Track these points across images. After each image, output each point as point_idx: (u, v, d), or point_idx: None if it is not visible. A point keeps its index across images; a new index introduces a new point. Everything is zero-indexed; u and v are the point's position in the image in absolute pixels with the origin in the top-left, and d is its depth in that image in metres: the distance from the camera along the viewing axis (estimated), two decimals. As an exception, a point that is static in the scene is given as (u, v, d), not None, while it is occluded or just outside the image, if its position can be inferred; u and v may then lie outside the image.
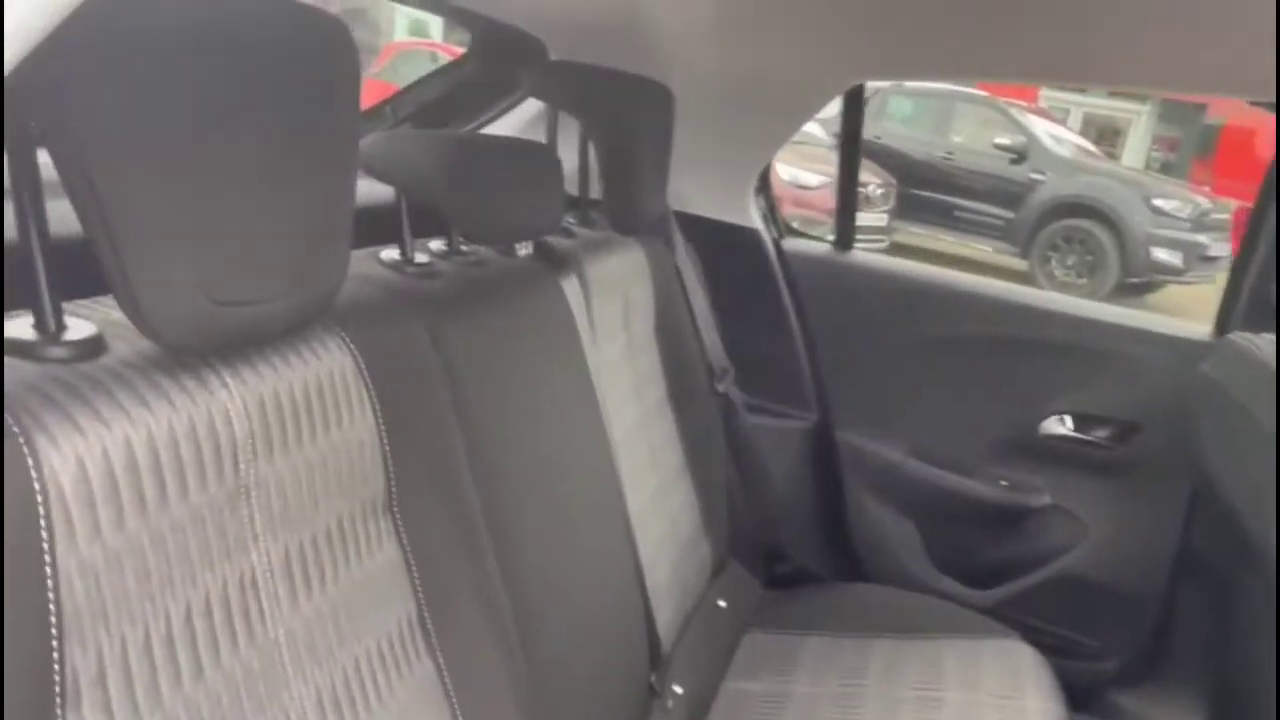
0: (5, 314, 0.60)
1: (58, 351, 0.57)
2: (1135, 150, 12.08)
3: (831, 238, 1.73)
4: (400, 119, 1.50)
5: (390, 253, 0.95)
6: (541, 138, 1.31)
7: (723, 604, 1.52)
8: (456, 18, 1.59)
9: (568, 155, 1.40)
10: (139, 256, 0.52)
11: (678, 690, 1.26)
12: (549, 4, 1.26)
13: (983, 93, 7.58)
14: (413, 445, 0.79)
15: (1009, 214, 7.18)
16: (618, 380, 1.30)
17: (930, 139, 7.61)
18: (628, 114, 1.23)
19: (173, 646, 0.58)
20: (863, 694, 1.29)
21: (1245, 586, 1.34)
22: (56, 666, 0.51)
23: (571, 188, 1.31)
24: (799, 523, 1.70)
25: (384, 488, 0.76)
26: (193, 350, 0.60)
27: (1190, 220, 6.89)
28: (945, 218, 7.39)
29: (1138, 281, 6.88)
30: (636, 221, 1.30)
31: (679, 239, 1.56)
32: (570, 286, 1.15)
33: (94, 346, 0.59)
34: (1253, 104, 1.43)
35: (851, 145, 1.66)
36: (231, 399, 0.62)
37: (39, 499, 0.50)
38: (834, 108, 1.62)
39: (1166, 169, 11.21)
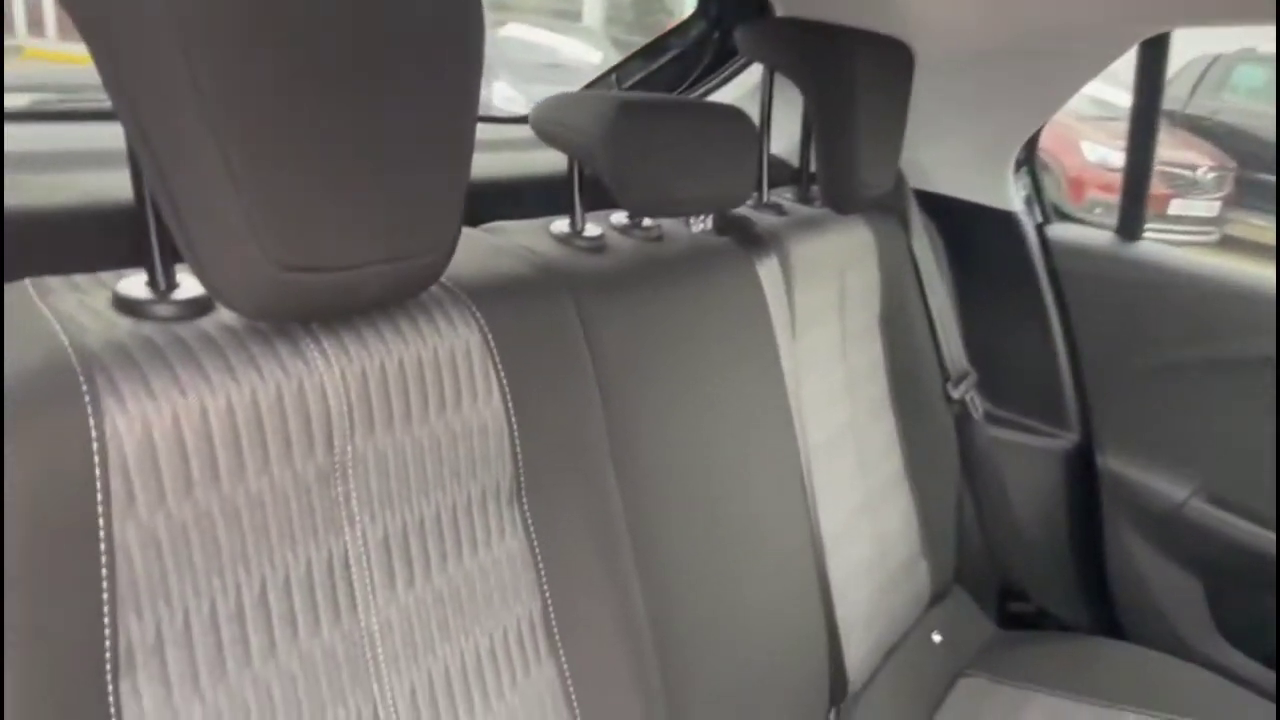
0: (122, 271, 0.60)
1: (163, 310, 0.56)
2: None
3: (1113, 224, 1.44)
4: (625, 88, 1.44)
5: (560, 224, 0.89)
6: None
7: (938, 639, 1.33)
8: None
9: (789, 124, 1.28)
10: (199, 220, 0.48)
11: None
12: (773, -46, 1.14)
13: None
14: (547, 433, 0.72)
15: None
16: (824, 376, 1.16)
17: (1286, 115, 6.43)
18: (854, 75, 1.08)
19: (243, 623, 0.55)
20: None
21: None
22: (108, 634, 0.49)
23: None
24: (1043, 558, 1.45)
25: (510, 475, 0.70)
26: (273, 317, 0.56)
27: None
28: (1297, 209, 6.22)
29: None
30: (854, 199, 1.14)
31: (918, 220, 1.37)
32: (768, 269, 1.03)
33: (200, 306, 0.57)
34: None
35: (1147, 111, 1.36)
36: (330, 370, 0.58)
37: (96, 461, 0.49)
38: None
39: None
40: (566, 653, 0.73)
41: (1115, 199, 1.45)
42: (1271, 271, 1.31)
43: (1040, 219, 1.46)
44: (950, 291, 1.45)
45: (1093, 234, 1.45)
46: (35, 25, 5.44)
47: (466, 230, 0.65)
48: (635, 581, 0.79)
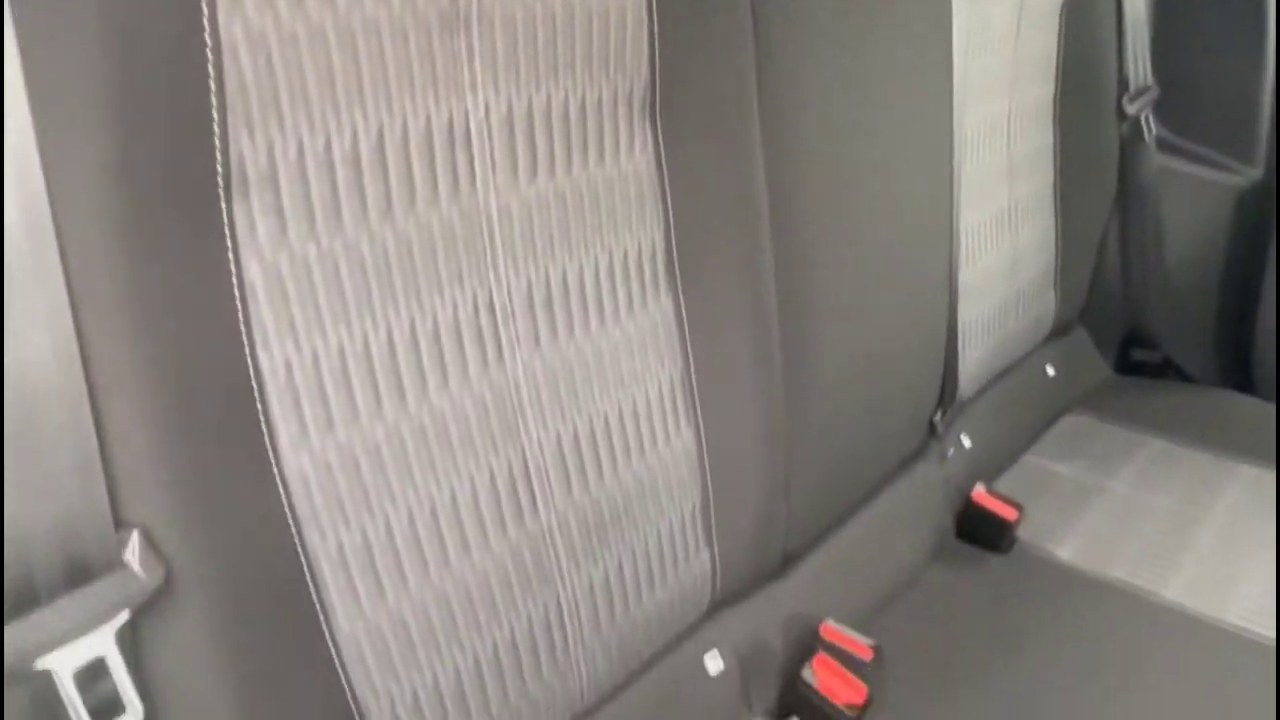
0: None
1: None
2: None
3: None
4: None
5: None
6: None
7: (1051, 372, 1.26)
8: None
9: None
10: None
11: (965, 443, 1.07)
12: None
13: None
14: (691, 69, 0.63)
15: None
16: (991, 57, 1.01)
17: None
18: None
19: (359, 172, 0.49)
20: (1205, 518, 1.02)
21: None
22: (218, 144, 0.44)
23: None
24: (1184, 303, 1.34)
25: (645, 83, 0.62)
26: None
27: None
28: None
29: None
30: None
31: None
32: None
33: None
34: None
35: None
36: None
37: None
38: None
39: None
40: (685, 288, 0.68)
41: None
42: None
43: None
44: (1151, -10, 1.24)
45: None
46: None
47: None
48: (766, 240, 0.73)
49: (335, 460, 0.49)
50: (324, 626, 0.49)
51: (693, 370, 0.69)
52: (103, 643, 0.40)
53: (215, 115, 0.43)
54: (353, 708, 0.51)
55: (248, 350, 0.45)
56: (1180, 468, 1.11)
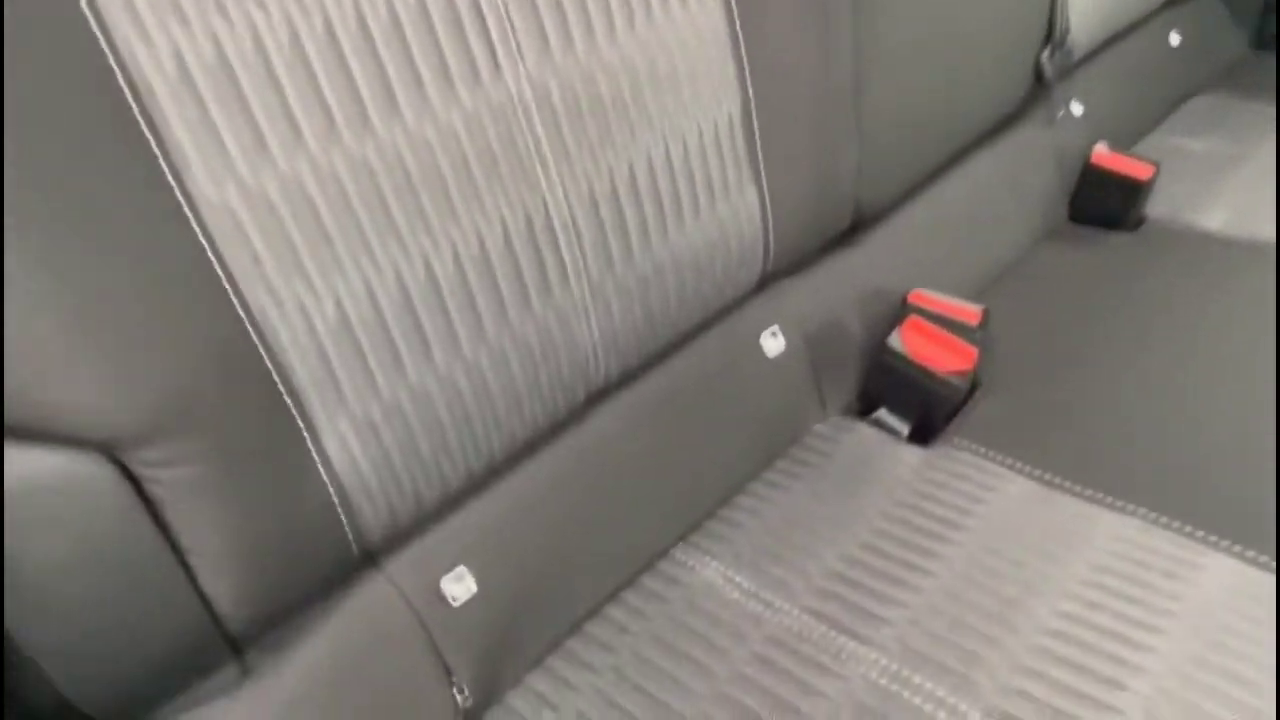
0: None
1: None
2: None
3: None
4: None
5: None
6: None
7: (1176, 40, 1.03)
8: None
9: None
10: None
11: (1076, 110, 0.87)
12: None
13: None
14: None
15: None
16: None
17: None
18: None
19: None
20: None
21: None
22: None
23: None
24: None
25: None
26: None
27: None
28: None
29: None
30: None
31: None
32: None
33: None
34: None
35: None
36: None
37: None
38: None
39: None
40: None
41: None
42: None
43: None
44: None
45: None
46: None
47: None
48: None
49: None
50: None
51: None
52: None
53: None
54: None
55: None
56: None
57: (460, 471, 0.45)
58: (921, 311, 0.63)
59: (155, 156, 0.33)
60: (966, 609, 0.49)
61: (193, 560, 0.37)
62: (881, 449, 0.60)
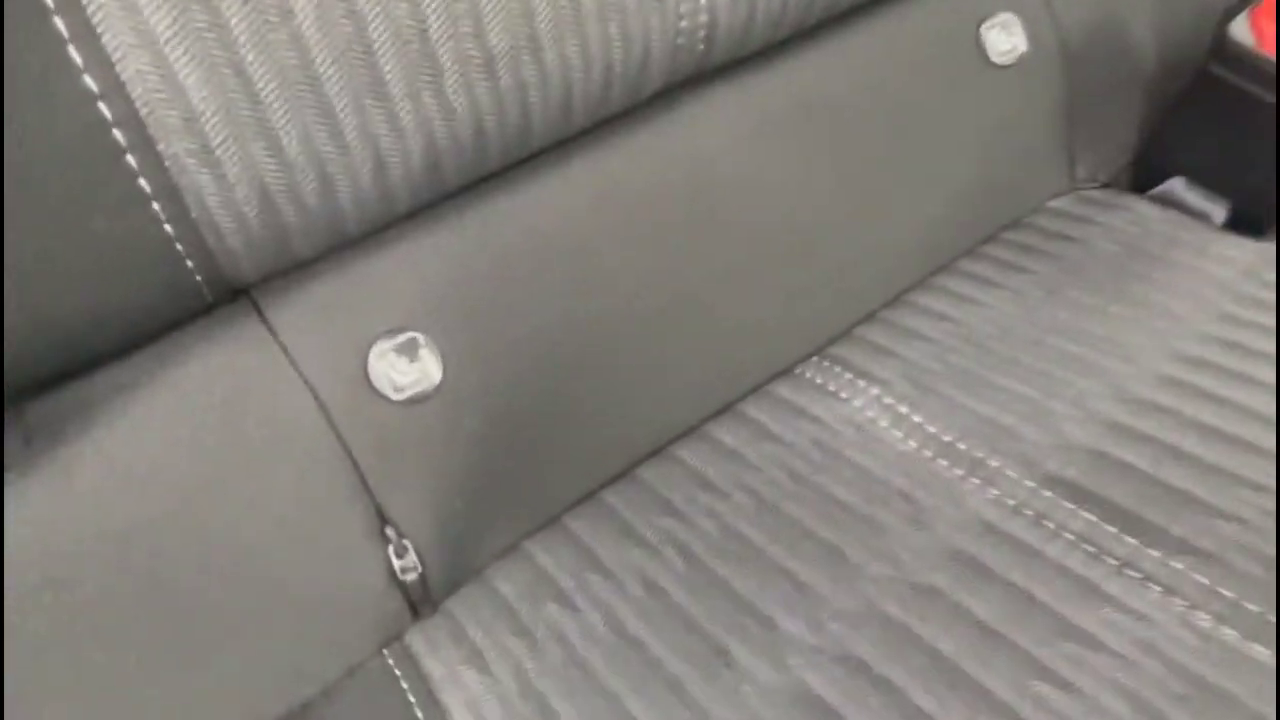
0: None
1: None
2: None
3: None
4: None
5: None
6: None
7: None
8: None
9: None
10: None
11: None
12: None
13: None
14: None
15: None
16: None
17: None
18: None
19: None
20: None
21: None
22: None
23: None
24: None
25: None
26: None
27: None
28: None
29: None
30: None
31: None
32: None
33: None
34: None
35: None
36: None
37: None
38: None
39: None
40: None
41: None
42: None
43: None
44: None
45: None
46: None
47: None
48: None
49: None
50: None
51: None
52: None
53: None
54: None
55: None
56: None
57: (414, 149, 0.23)
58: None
59: None
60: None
61: None
62: (1178, 236, 0.35)
